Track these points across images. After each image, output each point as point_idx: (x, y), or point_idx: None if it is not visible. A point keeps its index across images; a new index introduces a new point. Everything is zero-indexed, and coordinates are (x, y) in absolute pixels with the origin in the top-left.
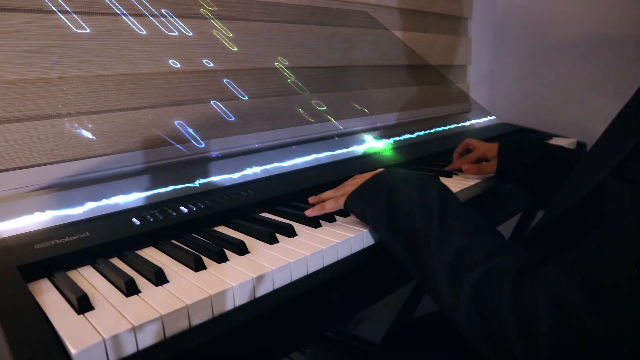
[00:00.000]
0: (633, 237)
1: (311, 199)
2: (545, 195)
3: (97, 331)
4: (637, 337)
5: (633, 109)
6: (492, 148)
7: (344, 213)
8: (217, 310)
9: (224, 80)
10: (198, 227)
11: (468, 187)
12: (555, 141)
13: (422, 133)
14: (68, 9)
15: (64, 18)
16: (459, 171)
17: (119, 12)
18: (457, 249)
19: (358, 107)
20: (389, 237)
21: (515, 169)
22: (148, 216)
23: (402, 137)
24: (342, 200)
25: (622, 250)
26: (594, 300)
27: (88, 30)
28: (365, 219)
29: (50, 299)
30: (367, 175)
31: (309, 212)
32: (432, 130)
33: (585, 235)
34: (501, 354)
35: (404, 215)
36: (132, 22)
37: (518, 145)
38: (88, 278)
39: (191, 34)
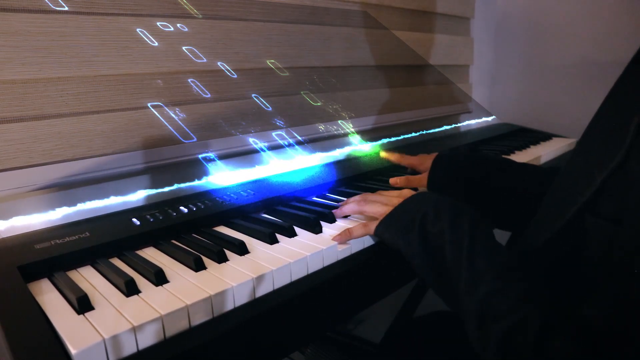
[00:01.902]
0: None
1: (335, 211)
2: (495, 216)
3: (97, 331)
4: None
5: (594, 136)
6: (425, 160)
7: None
8: (217, 311)
9: (224, 80)
10: (198, 227)
11: None
12: (555, 141)
13: (422, 133)
14: (68, 9)
15: (64, 18)
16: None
17: (119, 12)
18: (485, 295)
19: (359, 107)
20: (421, 271)
21: (447, 185)
22: (148, 216)
23: (402, 137)
24: (373, 227)
25: (626, 309)
26: None
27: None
28: (397, 249)
29: (50, 299)
30: (392, 196)
31: (335, 238)
32: (432, 131)
33: (571, 264)
34: None
35: (434, 250)
36: (132, 22)
37: (452, 160)
38: (88, 278)
39: (191, 34)
